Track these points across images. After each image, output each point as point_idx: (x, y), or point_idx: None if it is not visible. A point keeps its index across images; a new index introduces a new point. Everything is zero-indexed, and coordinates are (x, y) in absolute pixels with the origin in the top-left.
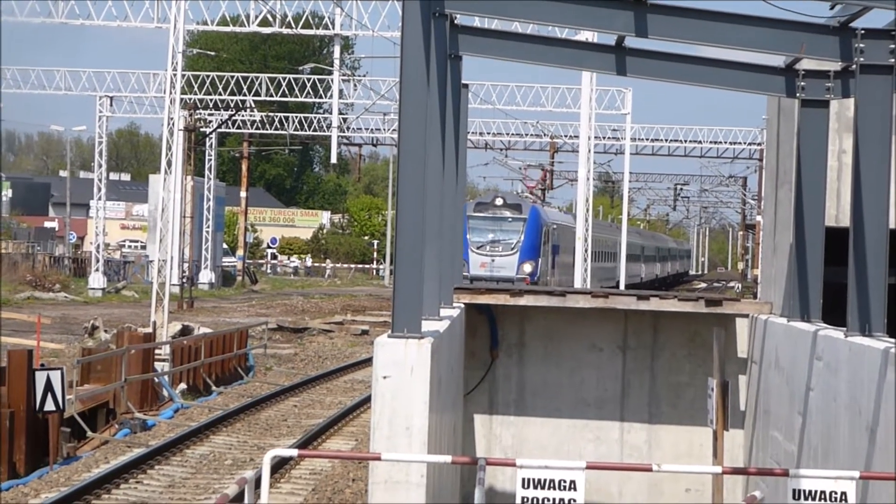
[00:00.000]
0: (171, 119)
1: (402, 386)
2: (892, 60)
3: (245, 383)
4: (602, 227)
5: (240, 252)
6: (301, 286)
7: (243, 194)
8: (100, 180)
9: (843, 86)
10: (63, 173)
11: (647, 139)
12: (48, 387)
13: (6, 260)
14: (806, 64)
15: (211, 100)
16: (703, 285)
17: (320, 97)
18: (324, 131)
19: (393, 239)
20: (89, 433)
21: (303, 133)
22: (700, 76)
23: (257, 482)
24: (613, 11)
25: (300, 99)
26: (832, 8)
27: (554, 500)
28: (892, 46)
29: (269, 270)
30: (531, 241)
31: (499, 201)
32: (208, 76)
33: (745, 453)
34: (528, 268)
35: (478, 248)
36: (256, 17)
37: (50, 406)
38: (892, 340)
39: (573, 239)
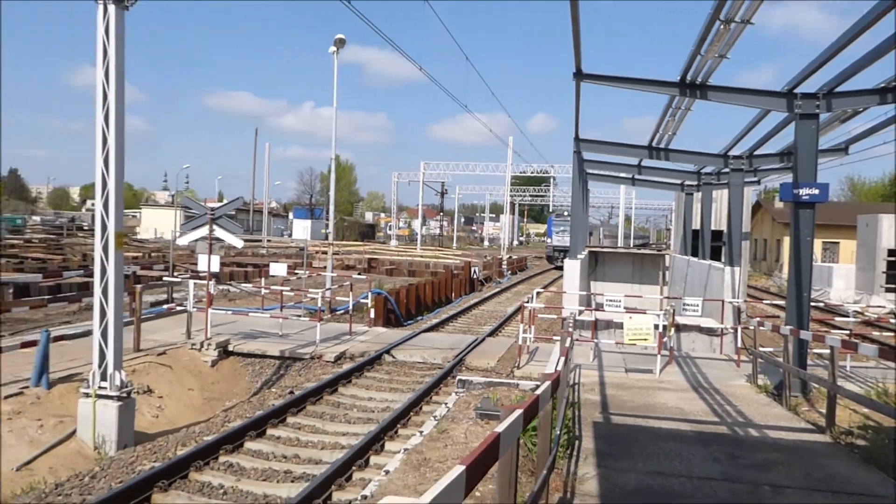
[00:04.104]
0: (507, 201)
1: (571, 273)
2: (699, 190)
3: (526, 271)
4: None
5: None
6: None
7: (525, 220)
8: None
9: (697, 189)
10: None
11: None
12: (475, 272)
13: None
14: (685, 190)
15: (517, 195)
16: (654, 245)
17: (545, 195)
18: (547, 203)
19: (571, 232)
20: (486, 284)
21: (541, 203)
22: (651, 184)
23: (530, 300)
24: (626, 167)
25: (539, 194)
26: (697, 171)
27: (615, 306)
28: (711, 181)
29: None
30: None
31: (565, 213)
32: (517, 190)
33: (669, 292)
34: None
35: (556, 232)
36: (526, 171)
37: (474, 276)
38: (711, 261)
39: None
